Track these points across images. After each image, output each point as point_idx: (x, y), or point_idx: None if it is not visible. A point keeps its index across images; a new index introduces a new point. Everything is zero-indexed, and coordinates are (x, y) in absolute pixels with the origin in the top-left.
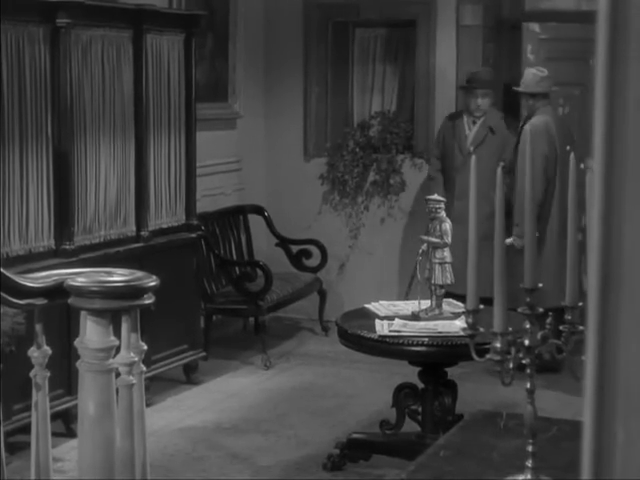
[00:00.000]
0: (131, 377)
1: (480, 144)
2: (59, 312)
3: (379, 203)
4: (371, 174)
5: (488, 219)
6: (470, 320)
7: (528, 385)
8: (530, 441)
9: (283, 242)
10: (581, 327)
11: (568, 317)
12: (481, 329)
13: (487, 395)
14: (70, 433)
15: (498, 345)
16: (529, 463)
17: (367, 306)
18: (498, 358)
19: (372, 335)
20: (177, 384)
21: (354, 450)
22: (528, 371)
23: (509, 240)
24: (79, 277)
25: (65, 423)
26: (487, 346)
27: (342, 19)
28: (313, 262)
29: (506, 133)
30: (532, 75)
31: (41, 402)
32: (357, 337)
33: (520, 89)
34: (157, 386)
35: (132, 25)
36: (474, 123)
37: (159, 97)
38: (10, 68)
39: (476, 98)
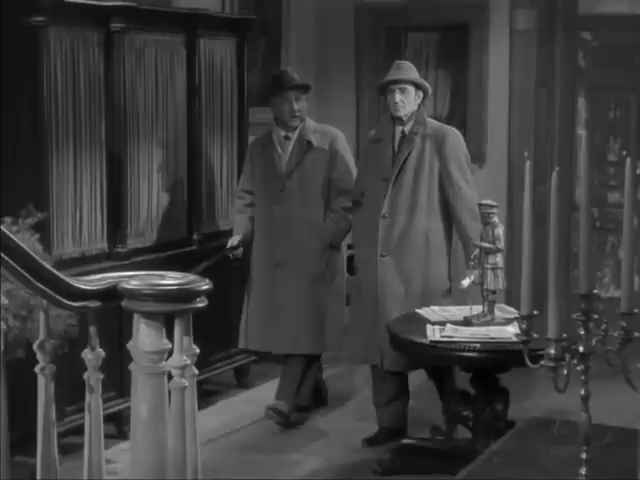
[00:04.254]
0: (183, 380)
1: (299, 164)
2: (112, 314)
3: None
4: None
5: (321, 258)
6: (524, 326)
7: (582, 392)
8: (584, 448)
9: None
10: (637, 334)
11: (623, 324)
12: (535, 335)
13: (539, 401)
14: (122, 435)
15: (552, 351)
16: (583, 471)
17: (418, 311)
18: (552, 365)
19: (423, 340)
20: (228, 387)
21: (405, 456)
22: (582, 378)
23: (466, 282)
24: (132, 280)
25: (117, 425)
26: (540, 352)
27: (394, 23)
28: None
29: (333, 145)
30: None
31: (94, 404)
32: (408, 342)
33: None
34: (209, 389)
35: (185, 30)
36: (287, 138)
37: (212, 101)
38: (65, 73)
39: (290, 103)
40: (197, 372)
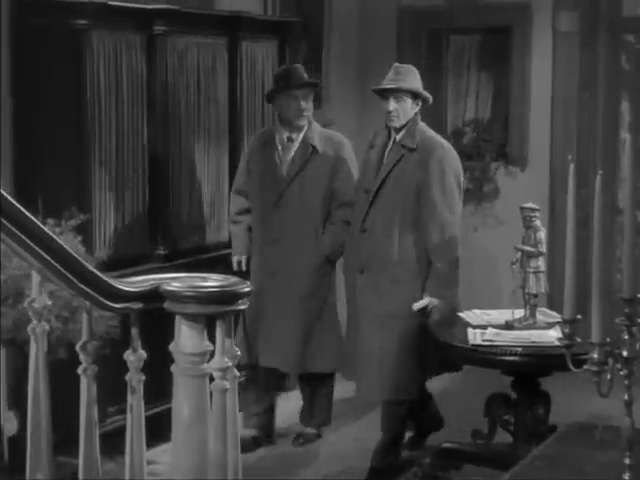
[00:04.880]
0: (225, 382)
1: (301, 170)
2: (153, 316)
3: (472, 211)
4: (464, 182)
5: (316, 272)
6: (567, 330)
7: (626, 397)
8: (627, 453)
9: None
10: None
11: None
12: (578, 339)
13: (581, 406)
14: (163, 436)
15: (596, 356)
16: (626, 476)
17: (460, 314)
18: (596, 369)
19: (464, 344)
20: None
21: (445, 459)
22: (626, 382)
23: (423, 302)
24: (174, 282)
25: (158, 426)
26: (583, 357)
27: (436, 26)
28: None
29: (339, 153)
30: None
31: (136, 405)
32: (449, 346)
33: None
34: (249, 391)
35: (227, 32)
36: (290, 140)
37: (253, 104)
38: (107, 75)
39: (297, 101)
40: (238, 374)
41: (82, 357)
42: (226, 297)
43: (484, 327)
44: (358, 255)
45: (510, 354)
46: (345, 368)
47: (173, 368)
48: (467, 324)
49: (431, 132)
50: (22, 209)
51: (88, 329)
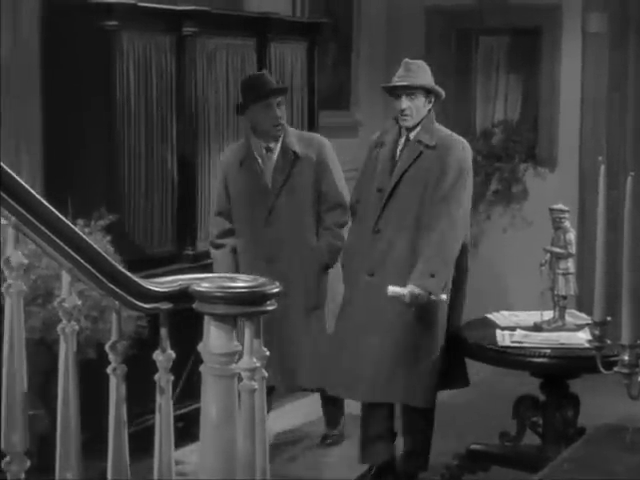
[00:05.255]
0: (253, 382)
1: (287, 179)
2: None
3: (501, 212)
4: (493, 183)
5: (317, 281)
6: (597, 332)
7: None
8: None
9: None
10: None
11: None
12: (608, 341)
13: (610, 408)
14: (191, 436)
15: (626, 358)
16: None
17: (488, 316)
18: (626, 371)
19: (493, 345)
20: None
21: (473, 461)
22: None
23: (401, 289)
24: (203, 282)
25: (186, 426)
26: (613, 359)
27: (465, 27)
28: None
29: (321, 155)
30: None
31: (164, 405)
32: (478, 347)
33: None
34: (276, 392)
35: (256, 34)
36: (269, 150)
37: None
38: (137, 76)
39: (272, 109)
40: (267, 374)
41: (111, 357)
42: (255, 298)
43: (513, 329)
44: (369, 257)
45: (539, 356)
46: (335, 381)
47: (202, 368)
48: (496, 325)
49: (446, 129)
50: (52, 209)
51: (117, 329)
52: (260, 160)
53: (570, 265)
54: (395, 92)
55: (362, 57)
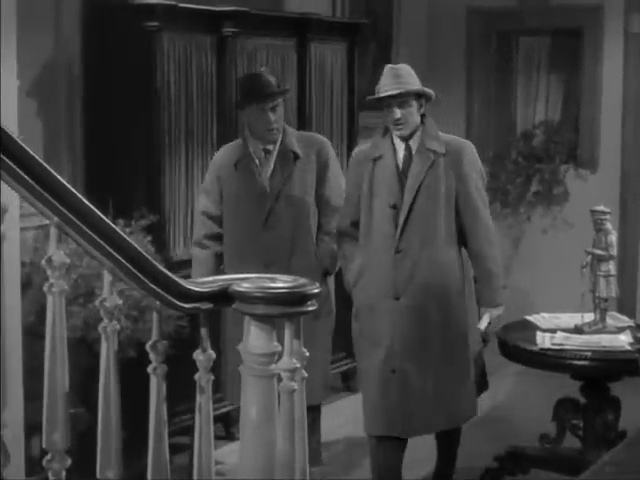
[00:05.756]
0: (293, 383)
1: (286, 181)
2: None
3: (541, 214)
4: (534, 184)
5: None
6: (638, 335)
7: None
8: None
9: None
10: None
11: None
12: None
13: None
14: (230, 436)
15: None
16: None
17: (528, 318)
18: None
19: (533, 348)
20: (335, 391)
21: (512, 463)
22: None
23: (487, 318)
24: (244, 282)
25: (225, 426)
26: None
27: (506, 27)
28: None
29: (322, 155)
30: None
31: (204, 405)
32: (518, 349)
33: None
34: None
35: (296, 34)
36: (267, 152)
37: (322, 105)
38: (177, 76)
39: (265, 113)
40: (306, 375)
41: (152, 356)
42: (295, 298)
43: (553, 331)
44: (392, 279)
45: (580, 358)
46: (377, 420)
47: (241, 368)
48: (536, 328)
49: (446, 134)
50: (94, 209)
51: (158, 328)
52: (257, 162)
53: (611, 267)
54: (385, 101)
55: (402, 57)
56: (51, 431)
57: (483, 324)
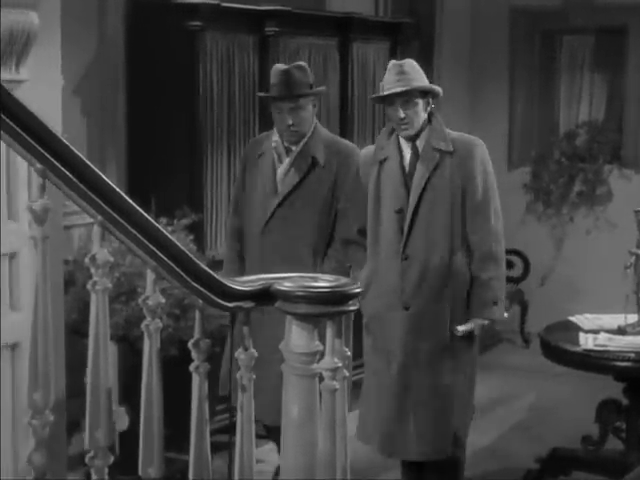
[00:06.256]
0: (335, 382)
1: (297, 186)
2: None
3: (584, 214)
4: (577, 184)
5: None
6: None
7: None
8: None
9: None
10: None
11: None
12: None
13: None
14: (270, 435)
15: None
16: None
17: (571, 319)
18: None
19: (576, 349)
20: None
21: (554, 465)
22: None
23: (469, 325)
24: (285, 281)
25: (265, 425)
26: None
27: (549, 26)
28: (515, 272)
29: (344, 165)
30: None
31: (246, 404)
32: (560, 350)
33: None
34: (357, 392)
35: (339, 33)
36: (289, 150)
37: (364, 106)
38: (220, 75)
39: (281, 114)
40: (348, 374)
41: (194, 355)
42: (337, 298)
43: (596, 332)
44: (400, 288)
45: (623, 360)
46: (381, 442)
47: (283, 367)
48: (579, 328)
49: (453, 131)
50: (138, 207)
51: (200, 327)
52: (277, 158)
53: None
54: (388, 100)
55: (445, 56)
56: (94, 428)
57: (462, 328)
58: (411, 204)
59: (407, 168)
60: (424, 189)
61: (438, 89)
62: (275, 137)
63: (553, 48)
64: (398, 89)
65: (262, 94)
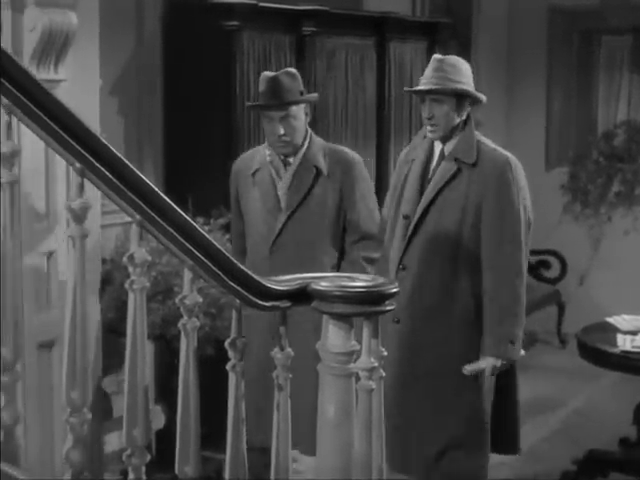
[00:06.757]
0: (371, 382)
1: (303, 200)
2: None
3: (623, 214)
4: (615, 184)
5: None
6: None
7: None
8: None
9: None
10: None
11: None
12: None
13: None
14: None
15: None
16: None
17: (609, 320)
18: None
19: (614, 350)
20: None
21: (591, 467)
22: None
23: (478, 364)
24: (322, 281)
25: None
26: None
27: (588, 26)
28: (552, 273)
29: (349, 174)
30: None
31: (282, 403)
32: (598, 351)
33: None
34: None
35: (376, 33)
36: (286, 163)
37: (401, 105)
38: (257, 75)
39: (271, 123)
40: (384, 374)
41: (231, 354)
42: (373, 297)
43: (634, 333)
44: (397, 299)
45: None
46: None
47: (319, 367)
48: (616, 330)
49: (490, 143)
50: (176, 207)
51: (237, 326)
52: (274, 172)
53: None
54: (420, 96)
55: (482, 56)
56: (131, 426)
57: (470, 367)
58: (417, 212)
59: (430, 173)
60: (434, 198)
61: (476, 94)
62: (267, 151)
63: (591, 48)
64: (423, 86)
65: (250, 104)
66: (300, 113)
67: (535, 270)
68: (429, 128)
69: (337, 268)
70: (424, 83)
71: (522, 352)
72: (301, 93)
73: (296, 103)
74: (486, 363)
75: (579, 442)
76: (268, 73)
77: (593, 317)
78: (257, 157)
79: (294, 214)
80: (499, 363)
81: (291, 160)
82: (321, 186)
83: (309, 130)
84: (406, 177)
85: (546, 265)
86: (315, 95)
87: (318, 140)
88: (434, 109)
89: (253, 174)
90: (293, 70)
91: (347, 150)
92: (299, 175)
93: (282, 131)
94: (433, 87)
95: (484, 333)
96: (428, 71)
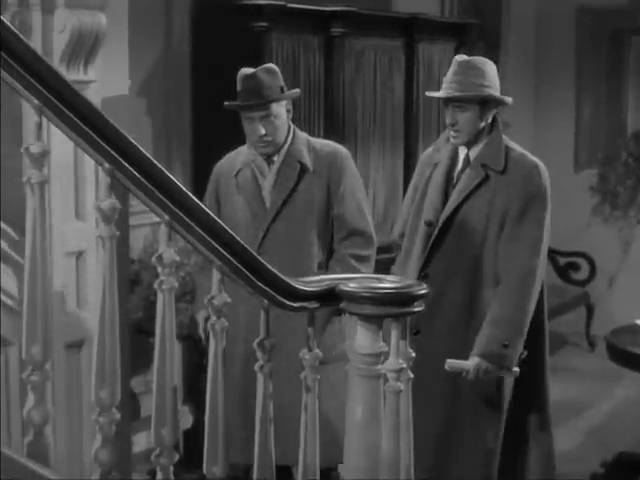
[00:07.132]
0: (399, 383)
1: (289, 198)
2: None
3: None
4: None
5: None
6: None
7: None
8: None
9: (550, 253)
10: None
11: None
12: None
13: None
14: None
15: None
16: None
17: (638, 322)
18: None
19: None
20: None
21: (620, 469)
22: None
23: (464, 363)
24: (351, 282)
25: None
26: None
27: (618, 26)
28: (581, 275)
29: (335, 168)
30: None
31: (310, 404)
32: (627, 354)
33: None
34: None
35: (404, 34)
36: (270, 162)
37: (429, 106)
38: (285, 76)
39: (252, 124)
40: (412, 376)
41: (259, 354)
42: (402, 299)
43: None
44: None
45: None
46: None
47: (347, 368)
48: None
49: (518, 147)
50: (204, 207)
51: (265, 327)
52: (258, 172)
53: None
54: (443, 100)
55: (510, 57)
56: (159, 426)
57: (452, 362)
58: (441, 219)
59: (454, 178)
60: (459, 206)
61: (500, 97)
62: (249, 151)
63: (621, 48)
64: (444, 93)
65: (228, 103)
66: (281, 111)
67: (564, 272)
68: (452, 134)
69: (325, 267)
70: (445, 88)
71: (517, 369)
72: (281, 89)
73: (276, 101)
74: (471, 362)
75: (608, 444)
76: (246, 70)
77: (622, 319)
78: (240, 158)
79: (279, 214)
80: (485, 364)
81: (275, 158)
82: (307, 182)
83: (292, 126)
84: (428, 181)
85: (575, 267)
86: (297, 91)
87: (302, 135)
88: (457, 115)
89: (236, 175)
90: (272, 66)
91: (333, 144)
92: (283, 172)
93: (263, 131)
94: (454, 94)
95: (485, 330)
96: (449, 74)
